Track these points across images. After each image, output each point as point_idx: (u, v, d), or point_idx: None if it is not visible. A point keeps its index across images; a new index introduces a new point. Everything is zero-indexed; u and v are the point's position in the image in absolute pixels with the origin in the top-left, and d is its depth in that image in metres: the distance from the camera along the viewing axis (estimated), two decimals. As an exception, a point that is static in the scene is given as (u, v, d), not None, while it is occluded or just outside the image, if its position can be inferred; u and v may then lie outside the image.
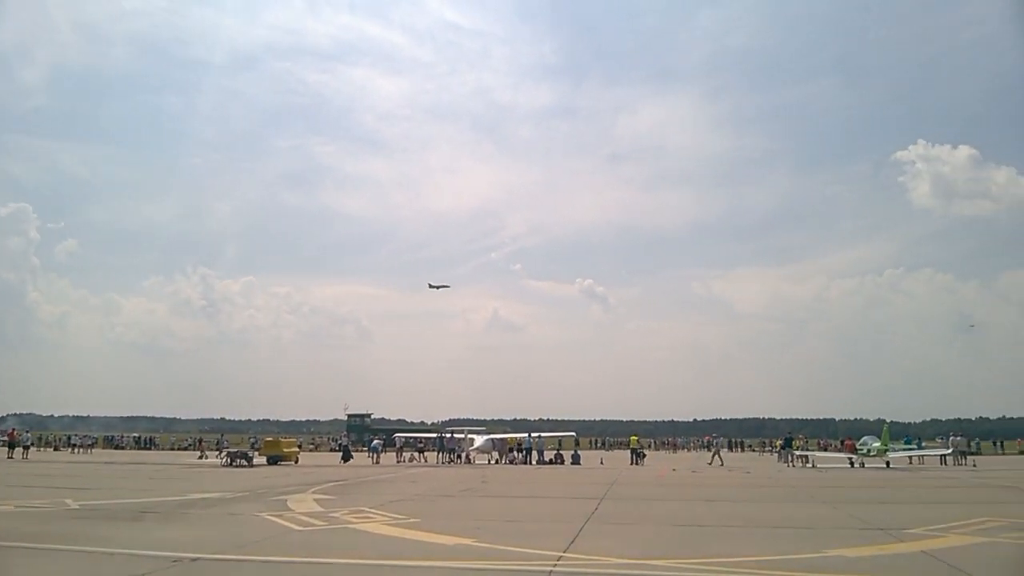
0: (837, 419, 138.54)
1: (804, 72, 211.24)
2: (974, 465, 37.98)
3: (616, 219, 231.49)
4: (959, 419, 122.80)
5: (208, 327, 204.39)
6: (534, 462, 41.00)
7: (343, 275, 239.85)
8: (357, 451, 52.40)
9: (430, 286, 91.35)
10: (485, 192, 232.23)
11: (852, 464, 37.15)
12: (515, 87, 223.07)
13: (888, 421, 51.23)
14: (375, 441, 46.25)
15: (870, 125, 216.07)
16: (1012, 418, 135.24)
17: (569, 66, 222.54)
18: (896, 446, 40.92)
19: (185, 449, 66.18)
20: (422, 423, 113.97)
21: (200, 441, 62.21)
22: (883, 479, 28.12)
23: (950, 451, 40.57)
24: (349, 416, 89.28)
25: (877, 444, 37.91)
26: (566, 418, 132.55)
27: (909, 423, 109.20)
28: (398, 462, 43.13)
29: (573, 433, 71.70)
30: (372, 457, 42.72)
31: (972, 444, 54.04)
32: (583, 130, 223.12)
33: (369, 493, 21.10)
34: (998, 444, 64.86)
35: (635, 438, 45.11)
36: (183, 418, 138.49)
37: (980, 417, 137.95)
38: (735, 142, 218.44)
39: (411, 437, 56.62)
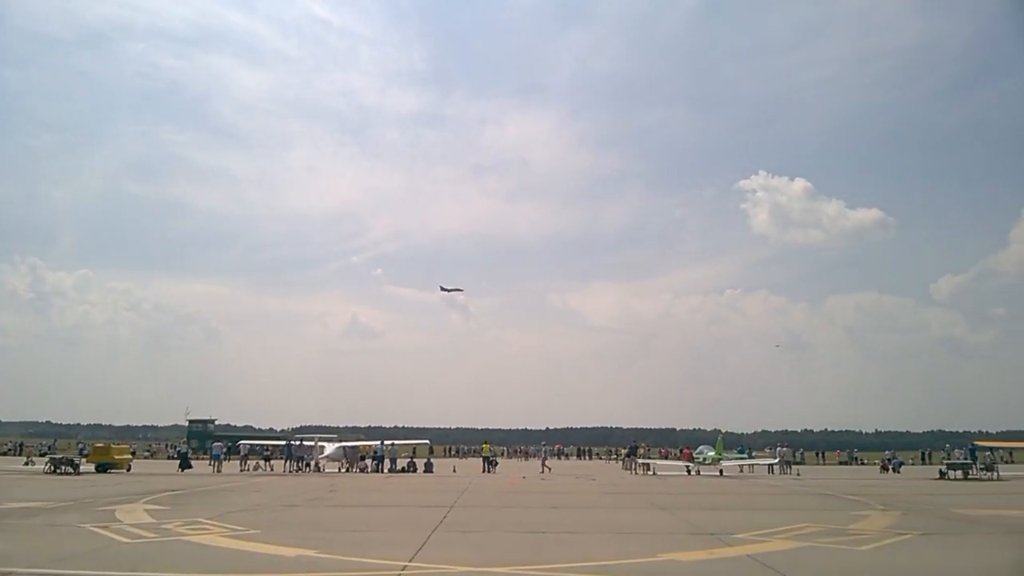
0: (678, 429, 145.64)
1: (660, 99, 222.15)
2: (798, 474, 40.93)
3: (479, 229, 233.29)
4: (786, 431, 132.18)
5: (36, 322, 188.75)
6: (386, 470, 40.50)
7: (191, 272, 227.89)
8: (198, 459, 49.75)
9: (442, 288, 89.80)
10: (347, 194, 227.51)
11: (689, 472, 39.18)
12: (382, 90, 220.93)
13: (723, 431, 54.68)
14: (216, 447, 44.16)
15: (717, 154, 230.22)
16: (833, 431, 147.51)
17: (437, 74, 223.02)
18: (729, 455, 43.43)
19: (5, 454, 60.75)
20: (271, 430, 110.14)
21: (22, 445, 57.07)
22: (716, 486, 29.77)
23: (777, 460, 43.61)
24: (191, 422, 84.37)
25: (712, 453, 40.16)
26: (422, 426, 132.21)
27: (742, 433, 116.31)
28: (242, 471, 41.28)
29: (427, 441, 71.28)
30: (213, 465, 40.72)
31: (797, 454, 58.26)
32: (449, 139, 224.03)
33: (207, 503, 20.05)
34: (820, 455, 70.19)
35: (487, 446, 45.48)
36: (5, 420, 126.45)
37: (805, 429, 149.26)
38: (594, 160, 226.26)
39: (257, 444, 54.56)
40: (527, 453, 78.67)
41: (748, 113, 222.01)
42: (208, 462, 43.39)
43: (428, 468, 41.61)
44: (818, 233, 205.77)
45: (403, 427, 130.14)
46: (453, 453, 78.20)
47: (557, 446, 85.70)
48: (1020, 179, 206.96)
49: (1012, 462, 53.93)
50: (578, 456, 79.66)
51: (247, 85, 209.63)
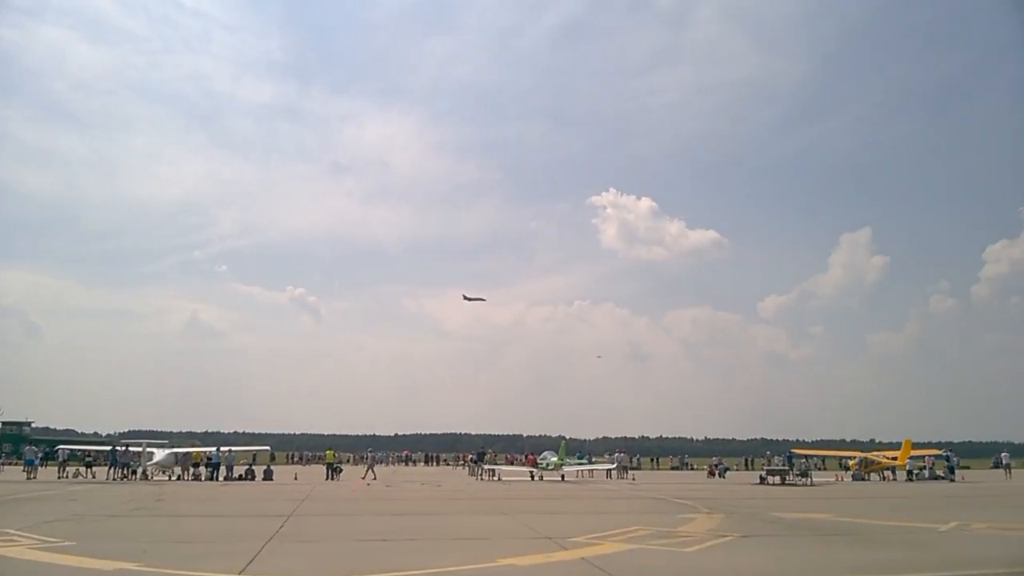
0: (525, 435, 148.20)
1: (519, 112, 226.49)
2: (633, 479, 42.78)
3: (334, 229, 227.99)
4: (625, 437, 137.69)
5: None
6: (221, 478, 38.66)
7: (8, 259, 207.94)
8: (11, 464, 45.44)
9: (465, 298, 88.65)
10: (193, 185, 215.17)
11: (532, 477, 40.03)
12: (236, 78, 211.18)
13: (567, 438, 56.11)
14: (30, 452, 40.55)
15: (572, 169, 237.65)
16: (667, 437, 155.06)
17: (297, 67, 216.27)
18: (571, 461, 44.75)
19: None
20: (95, 434, 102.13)
21: None
22: (557, 491, 30.56)
23: (614, 466, 45.36)
24: (3, 424, 76.91)
25: (555, 459, 41.24)
26: (264, 431, 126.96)
27: (585, 440, 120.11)
28: (60, 478, 38.18)
29: (267, 447, 68.74)
30: (27, 472, 37.36)
31: (633, 460, 60.97)
32: (306, 134, 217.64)
33: (16, 512, 18.38)
34: (655, 460, 73.61)
35: (331, 452, 44.43)
36: None
37: (642, 436, 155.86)
38: (453, 167, 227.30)
39: (78, 449, 50.65)
40: (374, 459, 77.53)
41: (602, 132, 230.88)
42: (21, 468, 39.74)
43: (268, 476, 40.12)
44: (661, 250, 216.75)
45: (243, 433, 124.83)
46: (296, 460, 75.74)
47: (404, 452, 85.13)
48: (839, 209, 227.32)
49: (824, 469, 58.88)
50: (426, 462, 79.35)
51: (86, 62, 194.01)
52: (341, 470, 42.90)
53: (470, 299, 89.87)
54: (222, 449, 42.59)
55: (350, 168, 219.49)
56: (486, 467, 43.31)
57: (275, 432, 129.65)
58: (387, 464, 74.49)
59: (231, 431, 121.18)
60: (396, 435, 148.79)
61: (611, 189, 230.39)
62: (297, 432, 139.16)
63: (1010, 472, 50.07)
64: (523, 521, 17.41)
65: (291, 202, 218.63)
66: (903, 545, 13.54)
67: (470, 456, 53.86)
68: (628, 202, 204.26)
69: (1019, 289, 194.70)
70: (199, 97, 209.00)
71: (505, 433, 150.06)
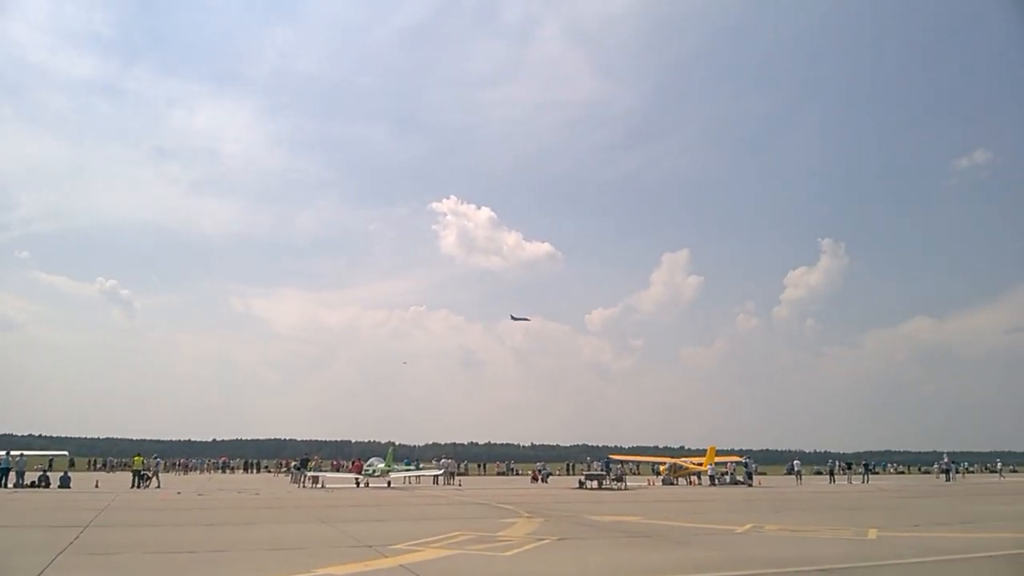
0: (353, 441, 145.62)
1: (363, 112, 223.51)
2: (459, 484, 43.12)
3: (155, 218, 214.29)
4: (454, 443, 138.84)
5: None
6: (11, 485, 35.13)
7: None
8: None
9: (512, 318, 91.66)
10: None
11: (358, 484, 39.36)
12: (52, 49, 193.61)
13: (396, 444, 55.70)
14: None
15: (414, 174, 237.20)
16: (496, 443, 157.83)
17: (122, 42, 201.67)
18: (398, 467, 44.44)
19: None
20: None
21: None
22: (382, 498, 30.21)
23: (442, 472, 45.54)
24: None
25: (382, 465, 40.77)
26: (64, 435, 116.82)
27: (415, 446, 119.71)
28: None
29: (66, 452, 63.15)
30: None
31: (461, 466, 61.42)
32: (128, 116, 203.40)
33: None
34: (482, 466, 74.62)
35: (139, 459, 41.42)
36: None
37: (471, 442, 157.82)
38: (290, 163, 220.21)
39: None
40: (187, 466, 73.32)
41: (445, 139, 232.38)
42: None
43: (64, 483, 36.91)
44: (499, 260, 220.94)
45: (40, 436, 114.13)
46: (100, 467, 70.10)
47: (223, 459, 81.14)
48: (662, 230, 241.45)
49: (638, 473, 62.09)
50: (246, 469, 75.99)
51: None
52: (150, 478, 40.16)
53: (517, 319, 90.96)
54: (12, 454, 38.55)
55: (176, 155, 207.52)
56: (309, 474, 42.11)
57: (76, 436, 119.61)
58: (203, 471, 70.80)
59: (25, 434, 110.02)
60: (215, 440, 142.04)
61: (452, 196, 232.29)
62: (101, 436, 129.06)
63: (800, 478, 55.08)
64: (343, 529, 17.08)
65: (106, 186, 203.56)
66: (703, 546, 14.52)
67: (293, 463, 52.20)
68: (468, 211, 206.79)
69: (814, 312, 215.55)
70: (6, 66, 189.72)
71: (333, 439, 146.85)
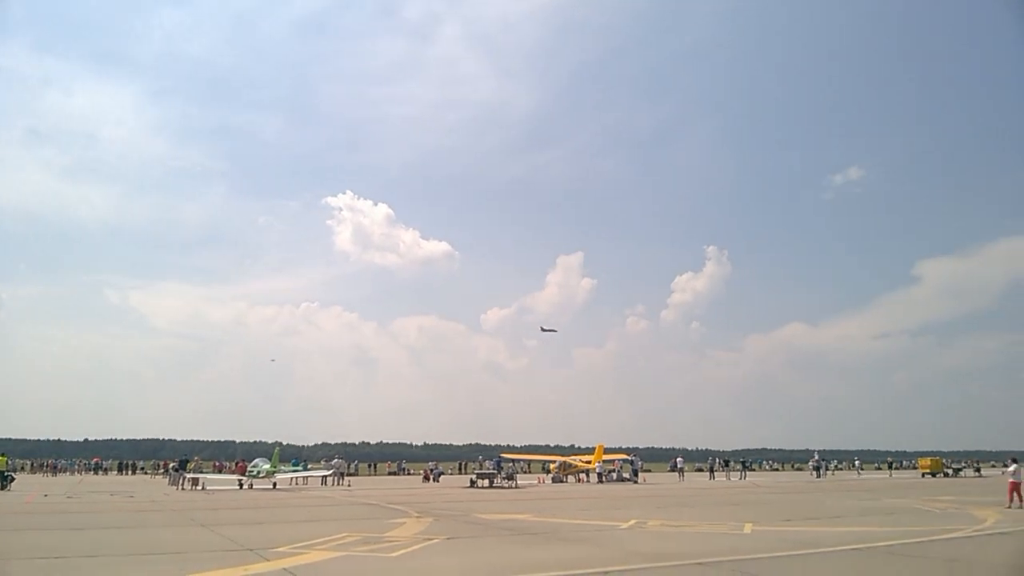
0: (238, 441, 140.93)
1: (254, 101, 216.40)
2: (349, 485, 42.33)
3: (23, 204, 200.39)
4: (345, 443, 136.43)
5: None
6: None
7: None
8: None
9: (542, 329, 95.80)
10: None
11: (241, 486, 38.02)
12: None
13: (284, 444, 54.17)
14: None
15: (308, 167, 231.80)
16: (388, 443, 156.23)
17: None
18: (285, 468, 43.23)
19: None
20: None
21: None
22: (266, 500, 29.31)
23: (331, 472, 44.59)
24: None
25: (267, 466, 39.53)
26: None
27: (303, 446, 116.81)
28: None
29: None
30: None
31: (351, 466, 60.38)
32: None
33: None
34: (372, 466, 73.57)
35: (3, 458, 38.60)
36: None
37: (363, 442, 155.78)
38: (175, 151, 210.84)
39: None
40: (55, 467, 69.00)
41: (342, 133, 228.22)
42: None
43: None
44: (395, 257, 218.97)
45: None
46: (-47, 469, 64.94)
47: (95, 460, 76.98)
48: (557, 232, 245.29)
49: (529, 472, 62.81)
50: (120, 471, 72.12)
51: None
52: (14, 478, 37.55)
53: (546, 330, 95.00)
54: None
55: (51, 137, 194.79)
56: (189, 476, 40.35)
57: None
58: (73, 473, 66.86)
59: None
60: (87, 440, 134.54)
61: (348, 192, 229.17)
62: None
63: (683, 475, 57.06)
64: (223, 533, 16.41)
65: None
66: (589, 542, 14.80)
67: (171, 464, 49.98)
68: (365, 206, 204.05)
69: (699, 316, 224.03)
70: None
71: (216, 439, 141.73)
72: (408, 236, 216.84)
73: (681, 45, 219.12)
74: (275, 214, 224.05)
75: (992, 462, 76.31)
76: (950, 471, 63.03)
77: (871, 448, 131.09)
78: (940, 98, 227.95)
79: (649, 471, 66.00)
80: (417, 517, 19.93)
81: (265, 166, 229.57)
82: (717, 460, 70.01)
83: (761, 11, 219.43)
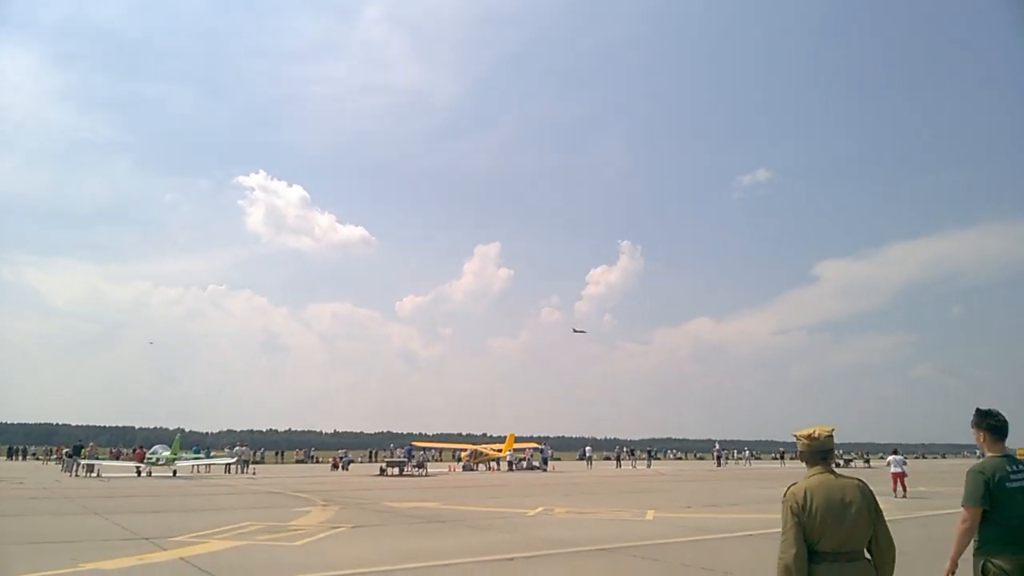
0: (138, 427, 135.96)
1: (164, 73, 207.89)
2: (254, 473, 41.42)
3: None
4: (252, 430, 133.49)
5: None
6: None
7: None
8: None
9: (574, 330, 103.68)
10: None
11: (139, 473, 36.72)
12: None
13: (187, 430, 52.53)
14: None
15: (219, 144, 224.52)
16: (297, 430, 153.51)
17: None
18: (186, 455, 41.98)
19: None
20: None
21: None
22: (166, 488, 28.42)
23: (235, 460, 43.50)
24: None
25: (167, 453, 38.27)
26: None
27: (208, 433, 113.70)
28: None
29: None
30: None
31: (257, 454, 59.15)
32: None
33: None
34: (280, 454, 71.91)
35: None
36: None
37: (270, 429, 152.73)
38: (77, 120, 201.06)
39: None
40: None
41: (258, 111, 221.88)
42: None
43: None
44: (310, 241, 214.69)
45: None
46: None
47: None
48: (476, 221, 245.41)
49: (440, 460, 62.94)
50: (10, 456, 68.50)
51: None
52: None
53: (577, 331, 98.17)
54: None
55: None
56: (83, 462, 38.63)
57: None
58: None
59: None
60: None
61: (261, 171, 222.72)
62: None
63: (591, 463, 58.23)
64: (118, 521, 15.85)
65: None
66: (496, 529, 14.98)
67: (65, 450, 47.75)
68: (279, 187, 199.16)
69: (611, 308, 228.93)
70: None
71: (115, 425, 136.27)
72: (324, 220, 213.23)
73: (601, 42, 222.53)
74: (183, 192, 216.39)
75: (880, 454, 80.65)
76: (841, 462, 66.35)
77: (770, 439, 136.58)
78: (846, 107, 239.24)
79: (559, 460, 67.03)
80: (323, 506, 19.73)
81: (174, 141, 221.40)
82: (624, 449, 71.80)
83: (679, 13, 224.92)
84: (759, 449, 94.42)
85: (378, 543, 12.82)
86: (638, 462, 61.88)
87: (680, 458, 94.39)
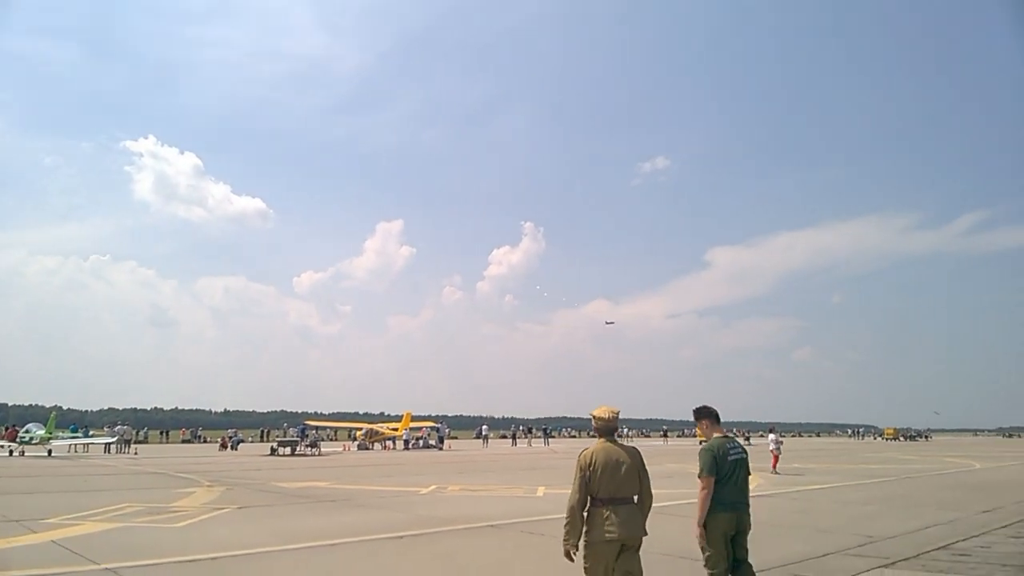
0: (11, 404, 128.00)
1: (46, 28, 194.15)
2: (135, 453, 39.81)
3: None
4: (135, 409, 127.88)
5: None
6: None
7: None
8: None
9: (606, 323, 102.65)
10: None
11: (11, 453, 34.65)
12: None
13: (65, 408, 49.84)
14: None
15: (105, 106, 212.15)
16: (184, 409, 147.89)
17: None
18: (63, 434, 39.92)
19: None
20: None
21: None
22: (40, 468, 26.97)
23: (114, 439, 41.66)
24: None
25: (41, 432, 36.29)
26: None
27: (87, 411, 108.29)
28: None
29: None
30: None
31: (140, 433, 56.88)
32: None
33: None
34: (165, 433, 69.27)
35: None
36: None
37: (155, 407, 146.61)
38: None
39: None
40: None
41: (148, 72, 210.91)
42: None
43: None
44: (202, 212, 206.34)
45: None
46: None
47: None
48: (378, 198, 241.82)
49: (336, 440, 62.23)
50: None
51: None
52: None
53: (608, 323, 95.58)
54: None
55: None
56: (-54, 443, 36.15)
57: None
58: None
59: None
60: None
61: (151, 136, 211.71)
62: None
63: (487, 442, 58.84)
64: (-16, 504, 14.97)
65: None
66: (387, 507, 15.01)
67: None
68: (170, 154, 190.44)
69: (512, 289, 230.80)
70: None
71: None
72: (218, 190, 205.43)
73: (508, 23, 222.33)
74: (64, 155, 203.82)
75: (760, 432, 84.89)
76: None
77: (660, 417, 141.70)
78: (741, 102, 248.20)
79: (456, 438, 67.38)
80: (208, 486, 19.21)
81: (56, 101, 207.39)
82: (520, 428, 72.81)
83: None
84: (650, 427, 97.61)
85: (263, 524, 12.62)
86: (534, 440, 62.93)
87: (575, 436, 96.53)
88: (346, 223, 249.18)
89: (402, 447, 48.68)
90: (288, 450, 39.15)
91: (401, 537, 10.96)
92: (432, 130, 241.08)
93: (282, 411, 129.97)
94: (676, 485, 19.22)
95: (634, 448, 5.33)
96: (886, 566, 8.91)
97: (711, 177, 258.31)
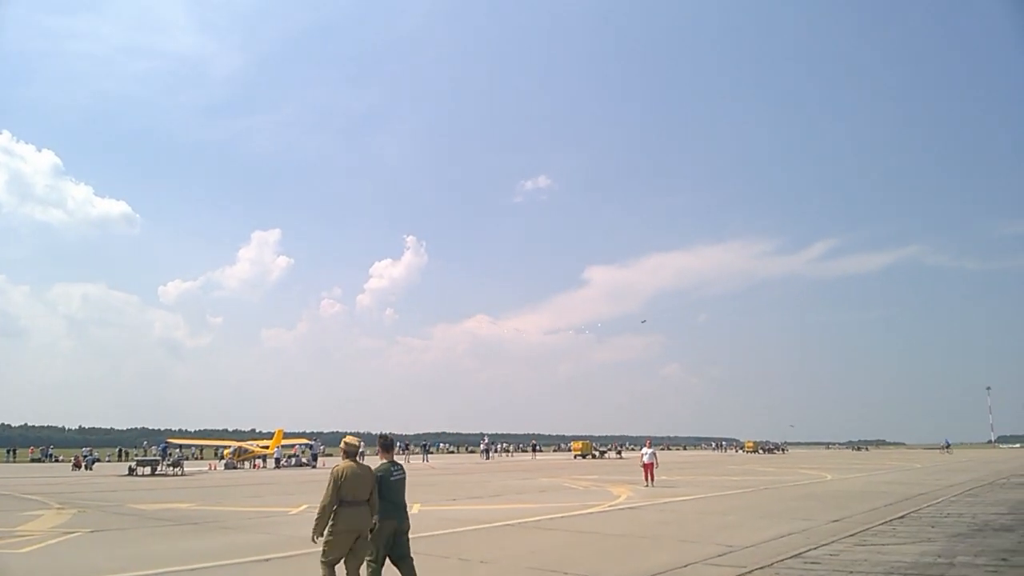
0: None
1: None
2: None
3: None
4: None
5: None
6: None
7: None
8: None
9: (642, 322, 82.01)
10: None
11: None
12: None
13: None
14: None
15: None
16: (34, 426, 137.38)
17: None
18: None
19: None
20: None
21: None
22: None
23: (-48, 460, 38.26)
24: None
25: None
26: None
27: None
28: None
29: None
30: None
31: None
32: None
33: None
34: (11, 452, 64.18)
35: None
36: None
37: (3, 424, 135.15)
38: None
39: None
40: None
41: (3, 63, 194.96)
42: None
43: None
44: (60, 214, 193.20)
45: None
46: None
47: None
48: (254, 205, 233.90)
49: (201, 458, 59.45)
50: None
51: None
52: None
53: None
54: None
55: None
56: None
57: None
58: None
59: None
60: None
61: (4, 132, 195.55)
62: None
63: (363, 457, 57.62)
64: None
65: None
66: (252, 529, 14.44)
67: None
68: (26, 151, 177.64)
69: (393, 303, 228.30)
70: None
71: None
72: (80, 191, 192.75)
73: (394, 34, 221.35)
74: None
75: (632, 446, 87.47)
76: (597, 453, 71.06)
77: (538, 432, 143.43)
78: (617, 126, 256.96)
79: (330, 455, 65.69)
80: (58, 509, 17.93)
81: None
82: (399, 444, 71.91)
83: (476, 13, 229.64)
84: (525, 442, 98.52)
85: (117, 548, 11.89)
86: (412, 456, 62.28)
87: (452, 451, 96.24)
88: (219, 230, 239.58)
89: (273, 465, 47.03)
90: (148, 470, 37.01)
91: (268, 560, 10.61)
92: (315, 137, 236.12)
93: (143, 428, 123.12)
94: (549, 499, 19.49)
95: (369, 468, 7.51)
96: (743, 575, 9.39)
97: (590, 197, 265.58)
